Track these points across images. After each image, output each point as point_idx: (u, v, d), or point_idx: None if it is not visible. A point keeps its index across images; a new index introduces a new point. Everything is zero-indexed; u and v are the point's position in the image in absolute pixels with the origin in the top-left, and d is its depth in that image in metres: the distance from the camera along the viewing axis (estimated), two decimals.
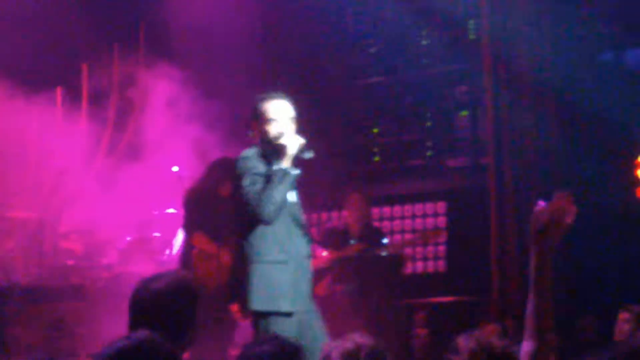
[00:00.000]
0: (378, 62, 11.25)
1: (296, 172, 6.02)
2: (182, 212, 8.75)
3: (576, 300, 9.50)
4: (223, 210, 8.23)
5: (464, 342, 3.25)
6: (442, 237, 10.36)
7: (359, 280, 8.93)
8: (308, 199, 10.40)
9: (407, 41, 11.00)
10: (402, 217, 10.96)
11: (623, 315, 7.58)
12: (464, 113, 10.67)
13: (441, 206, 10.69)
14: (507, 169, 9.60)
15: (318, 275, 8.15)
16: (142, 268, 8.59)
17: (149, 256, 9.37)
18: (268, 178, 5.94)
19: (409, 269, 10.24)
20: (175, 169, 9.62)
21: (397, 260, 9.37)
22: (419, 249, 10.70)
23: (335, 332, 5.24)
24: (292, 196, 6.08)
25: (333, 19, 11.39)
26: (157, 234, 9.80)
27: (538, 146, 9.67)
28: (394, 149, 11.10)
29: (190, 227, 8.49)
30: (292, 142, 5.98)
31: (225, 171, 8.06)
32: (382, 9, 11.03)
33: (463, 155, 10.57)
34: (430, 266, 10.72)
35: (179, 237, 9.23)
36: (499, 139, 9.68)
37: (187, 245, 8.56)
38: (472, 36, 10.59)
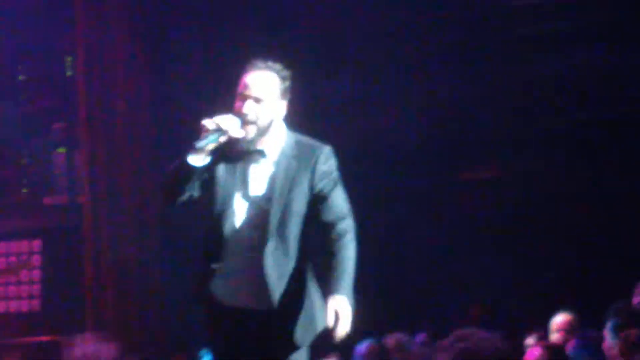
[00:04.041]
0: None
1: (198, 162, 4.22)
2: None
3: None
4: None
5: None
6: (30, 266, 10.22)
7: None
8: None
9: (3, 76, 10.77)
10: None
11: None
12: (61, 150, 10.61)
13: (36, 244, 10.56)
14: (102, 207, 9.64)
15: None
16: None
17: None
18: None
19: (1, 308, 10.01)
20: None
21: None
22: (11, 288, 10.49)
23: None
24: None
25: None
26: None
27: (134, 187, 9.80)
28: None
29: None
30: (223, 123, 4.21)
31: None
32: None
33: (60, 193, 10.51)
34: (24, 305, 10.53)
35: None
36: (94, 177, 9.71)
37: None
38: (69, 73, 10.59)
